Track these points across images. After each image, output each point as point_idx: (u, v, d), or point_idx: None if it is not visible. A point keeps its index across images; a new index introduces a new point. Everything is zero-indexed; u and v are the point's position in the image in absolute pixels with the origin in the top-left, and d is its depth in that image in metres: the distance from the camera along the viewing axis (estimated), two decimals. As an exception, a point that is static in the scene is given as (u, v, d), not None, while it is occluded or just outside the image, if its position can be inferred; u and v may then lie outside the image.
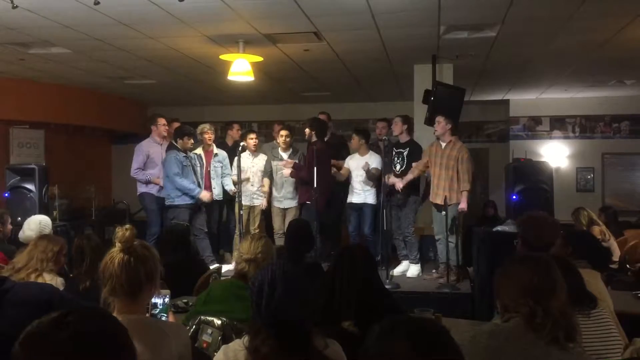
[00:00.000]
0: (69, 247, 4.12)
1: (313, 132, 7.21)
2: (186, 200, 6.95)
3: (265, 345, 1.93)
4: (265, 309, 1.97)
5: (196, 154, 7.56)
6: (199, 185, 7.09)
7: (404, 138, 7.00)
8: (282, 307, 1.97)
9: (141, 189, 7.32)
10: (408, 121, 7.08)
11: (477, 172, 6.97)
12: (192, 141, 7.16)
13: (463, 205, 6.30)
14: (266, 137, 10.06)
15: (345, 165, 7.27)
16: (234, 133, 8.43)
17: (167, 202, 7.03)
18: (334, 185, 7.28)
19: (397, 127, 6.98)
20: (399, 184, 6.62)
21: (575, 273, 2.60)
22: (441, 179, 6.39)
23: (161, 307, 3.08)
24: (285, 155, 7.46)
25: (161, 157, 7.39)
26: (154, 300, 2.96)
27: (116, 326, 1.29)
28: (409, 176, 6.67)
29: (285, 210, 7.46)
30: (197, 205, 7.08)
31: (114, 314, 2.19)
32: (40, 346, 1.19)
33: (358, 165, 7.10)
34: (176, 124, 7.92)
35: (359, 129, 7.51)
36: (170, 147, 7.21)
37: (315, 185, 6.59)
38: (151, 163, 7.32)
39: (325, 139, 7.46)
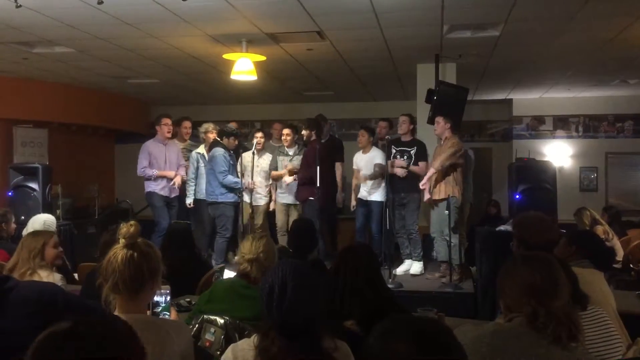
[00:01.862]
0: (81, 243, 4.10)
1: (313, 132, 7.25)
2: (229, 198, 7.01)
3: (275, 345, 1.92)
4: (276, 308, 1.96)
5: (199, 153, 7.58)
6: None
7: (408, 137, 7.00)
8: (293, 307, 1.96)
9: (148, 187, 7.31)
10: (414, 121, 7.11)
11: (479, 172, 6.95)
12: (236, 142, 7.27)
13: (400, 168, 6.52)
14: (268, 137, 10.07)
15: (354, 166, 7.34)
16: None
17: (211, 199, 7.06)
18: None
19: (405, 126, 6.97)
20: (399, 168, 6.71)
21: (569, 273, 2.58)
22: (440, 175, 6.40)
23: (163, 305, 3.08)
24: (291, 152, 7.50)
25: (165, 157, 7.39)
26: (155, 298, 2.96)
27: (125, 332, 1.33)
28: (417, 169, 6.81)
29: (288, 206, 7.47)
30: (239, 203, 7.13)
31: (115, 312, 2.20)
32: (53, 357, 1.22)
33: (363, 162, 7.14)
34: (187, 123, 7.95)
35: (365, 126, 7.54)
36: (215, 145, 7.19)
37: (318, 184, 6.62)
38: (155, 163, 7.30)
39: (323, 141, 7.55)
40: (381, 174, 6.93)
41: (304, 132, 7.35)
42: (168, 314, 3.09)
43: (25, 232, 4.98)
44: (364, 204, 7.18)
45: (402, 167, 6.79)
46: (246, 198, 7.38)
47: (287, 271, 2.02)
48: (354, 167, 7.38)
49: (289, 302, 1.96)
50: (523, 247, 3.29)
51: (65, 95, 9.61)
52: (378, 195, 7.07)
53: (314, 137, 7.24)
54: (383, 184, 7.00)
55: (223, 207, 7.01)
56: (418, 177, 6.79)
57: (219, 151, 7.05)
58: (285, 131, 7.55)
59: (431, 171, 6.35)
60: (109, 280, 2.20)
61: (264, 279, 2.08)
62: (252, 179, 7.28)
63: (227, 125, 7.39)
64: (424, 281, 6.66)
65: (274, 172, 7.48)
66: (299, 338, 1.94)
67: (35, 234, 4.21)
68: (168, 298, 3.12)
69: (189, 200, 7.55)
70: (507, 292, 2.09)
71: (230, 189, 7.02)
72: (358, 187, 7.32)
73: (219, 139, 7.25)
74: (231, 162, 7.11)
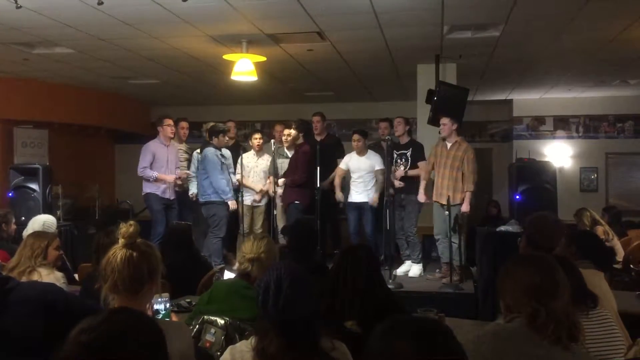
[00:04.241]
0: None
1: (301, 134, 7.22)
2: (221, 197, 6.92)
3: (273, 345, 1.92)
4: (272, 308, 1.97)
5: (200, 153, 7.56)
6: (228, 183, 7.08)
7: (404, 139, 7.02)
8: (290, 306, 1.96)
9: (146, 189, 7.27)
10: (409, 122, 7.12)
11: (480, 173, 6.95)
12: (227, 138, 7.20)
13: (465, 207, 6.28)
14: (269, 137, 10.05)
15: (343, 166, 7.26)
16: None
17: (203, 199, 6.97)
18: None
19: (401, 128, 6.98)
20: (399, 180, 6.74)
21: (575, 273, 2.59)
22: (445, 179, 6.38)
23: (164, 312, 3.08)
24: (290, 154, 7.48)
25: (167, 158, 7.35)
26: (156, 306, 2.96)
27: (154, 328, 1.43)
28: (415, 172, 6.78)
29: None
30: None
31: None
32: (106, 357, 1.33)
33: (358, 165, 7.12)
34: (184, 123, 7.94)
35: (358, 130, 7.51)
36: (207, 145, 7.09)
37: (318, 185, 6.62)
38: (157, 163, 7.25)
39: (321, 139, 7.53)
40: (384, 179, 6.92)
41: (292, 131, 7.33)
42: (169, 320, 3.08)
43: (25, 232, 4.98)
44: (356, 207, 7.17)
45: (400, 177, 6.80)
46: (247, 201, 7.33)
47: (283, 270, 2.04)
48: (343, 167, 7.27)
49: (285, 299, 1.96)
50: (531, 245, 3.29)
51: (66, 96, 9.61)
52: (370, 198, 7.07)
53: (301, 140, 7.21)
54: (374, 187, 7.05)
55: (216, 207, 6.90)
56: (418, 179, 6.80)
57: (209, 151, 6.96)
58: (287, 132, 7.52)
59: (468, 195, 6.28)
60: (108, 280, 2.20)
61: (261, 278, 2.10)
62: (241, 182, 7.14)
63: (217, 124, 7.27)
64: (425, 282, 6.65)
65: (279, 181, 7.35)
66: (296, 337, 1.94)
67: (39, 234, 4.23)
68: (168, 305, 3.12)
69: (193, 191, 7.45)
70: (507, 292, 2.09)
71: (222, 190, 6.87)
72: (345, 184, 7.26)
73: (208, 139, 7.16)
74: (222, 160, 7.01)
